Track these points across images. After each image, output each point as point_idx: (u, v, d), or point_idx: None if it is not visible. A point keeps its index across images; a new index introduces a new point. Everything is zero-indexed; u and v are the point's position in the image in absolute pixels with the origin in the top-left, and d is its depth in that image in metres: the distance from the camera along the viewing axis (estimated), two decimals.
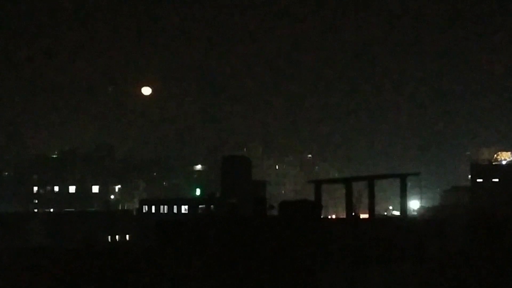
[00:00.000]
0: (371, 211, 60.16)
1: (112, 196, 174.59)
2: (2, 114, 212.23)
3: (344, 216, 63.38)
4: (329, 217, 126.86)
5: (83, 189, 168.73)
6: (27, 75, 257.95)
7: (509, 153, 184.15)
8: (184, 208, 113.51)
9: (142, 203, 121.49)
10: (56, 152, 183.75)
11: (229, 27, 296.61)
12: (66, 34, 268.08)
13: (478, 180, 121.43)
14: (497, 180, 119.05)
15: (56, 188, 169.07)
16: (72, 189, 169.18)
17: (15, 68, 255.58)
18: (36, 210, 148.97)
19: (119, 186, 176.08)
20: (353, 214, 62.10)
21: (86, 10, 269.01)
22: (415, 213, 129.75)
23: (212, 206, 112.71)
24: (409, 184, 65.77)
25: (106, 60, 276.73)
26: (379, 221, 61.65)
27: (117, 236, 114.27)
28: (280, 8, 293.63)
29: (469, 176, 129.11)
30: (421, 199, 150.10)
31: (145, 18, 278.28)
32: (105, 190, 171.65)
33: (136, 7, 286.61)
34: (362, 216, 69.20)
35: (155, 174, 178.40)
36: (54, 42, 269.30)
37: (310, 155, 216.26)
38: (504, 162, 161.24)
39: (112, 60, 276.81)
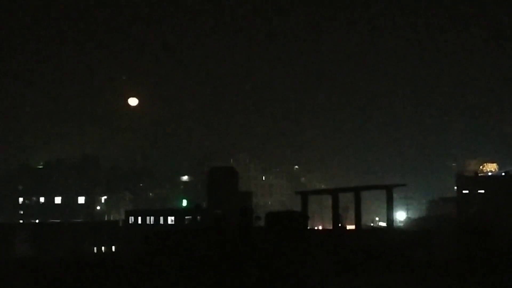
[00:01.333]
0: (357, 222, 60.24)
1: (98, 207, 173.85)
2: None
3: (331, 227, 63.42)
4: (316, 228, 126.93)
5: (69, 200, 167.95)
6: (12, 85, 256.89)
7: (494, 164, 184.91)
8: (170, 219, 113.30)
9: (128, 214, 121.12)
10: (41, 163, 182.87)
11: (216, 38, 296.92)
12: (53, 44, 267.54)
13: (464, 191, 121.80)
14: (483, 191, 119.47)
15: (42, 199, 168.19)
16: (57, 200, 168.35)
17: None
18: (21, 221, 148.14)
19: (105, 197, 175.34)
20: (340, 225, 62.17)
21: (72, 20, 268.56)
22: (402, 224, 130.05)
23: (198, 217, 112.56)
24: (395, 195, 65.92)
25: (93, 69, 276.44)
26: (365, 232, 61.78)
27: (103, 247, 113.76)
28: (269, 20, 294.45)
29: (455, 188, 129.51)
30: (407, 210, 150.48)
31: (130, 32, 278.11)
32: (91, 201, 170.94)
33: (124, 16, 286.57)
34: (349, 227, 69.30)
35: (141, 185, 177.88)
36: (40, 51, 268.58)
37: (296, 166, 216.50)
38: (490, 174, 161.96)
39: (99, 70, 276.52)
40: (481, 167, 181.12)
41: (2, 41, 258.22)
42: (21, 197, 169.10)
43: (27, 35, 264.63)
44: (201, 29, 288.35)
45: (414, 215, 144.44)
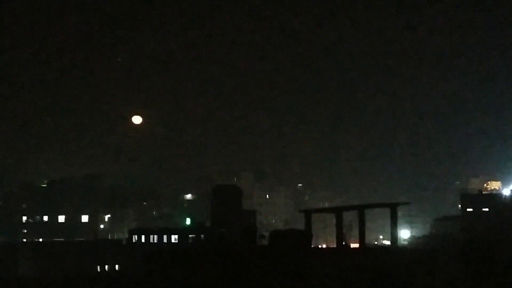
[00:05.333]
0: (361, 241, 60.07)
1: (101, 226, 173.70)
2: None
3: (335, 246, 63.23)
4: (320, 246, 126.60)
5: (73, 219, 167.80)
6: (16, 104, 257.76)
7: (498, 182, 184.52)
8: (174, 238, 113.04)
9: (131, 232, 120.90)
10: (45, 182, 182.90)
11: (219, 55, 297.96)
12: (56, 62, 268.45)
13: (468, 209, 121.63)
14: (487, 209, 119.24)
15: (45, 218, 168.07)
16: (61, 218, 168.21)
17: (3, 97, 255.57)
18: (25, 240, 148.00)
19: (109, 215, 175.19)
20: (344, 243, 61.97)
21: (77, 36, 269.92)
22: (406, 242, 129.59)
23: (202, 235, 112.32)
24: (399, 213, 65.75)
25: (97, 88, 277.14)
26: (369, 251, 61.52)
27: (106, 266, 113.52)
28: (274, 37, 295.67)
29: (459, 206, 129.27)
30: (411, 228, 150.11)
31: (135, 51, 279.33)
32: (95, 219, 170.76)
33: (128, 33, 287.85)
34: (353, 245, 69.15)
35: (145, 203, 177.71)
36: (44, 71, 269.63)
37: (300, 185, 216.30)
38: (494, 192, 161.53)
39: (103, 89, 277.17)
40: (485, 185, 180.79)
41: (9, 62, 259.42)
42: (24, 215, 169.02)
43: (33, 56, 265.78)
44: (206, 49, 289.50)
45: (419, 233, 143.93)
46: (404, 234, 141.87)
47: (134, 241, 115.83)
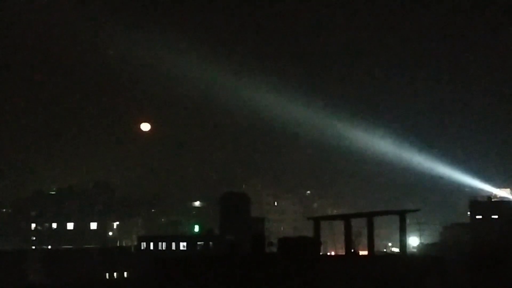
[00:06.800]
0: (370, 248, 59.94)
1: (110, 233, 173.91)
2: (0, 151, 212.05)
3: (343, 253, 63.11)
4: (328, 253, 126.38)
5: (81, 226, 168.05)
6: (24, 112, 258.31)
7: (508, 189, 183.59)
8: (182, 245, 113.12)
9: (140, 240, 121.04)
10: (54, 189, 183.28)
11: (223, 63, 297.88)
12: (62, 69, 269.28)
13: (478, 216, 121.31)
14: (496, 216, 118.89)
15: (54, 225, 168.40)
16: (70, 226, 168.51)
17: (11, 104, 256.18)
18: (34, 247, 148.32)
19: (117, 223, 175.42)
20: (352, 251, 61.83)
21: (84, 43, 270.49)
22: (415, 250, 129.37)
23: (210, 243, 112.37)
24: (408, 221, 65.58)
25: (105, 95, 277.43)
26: (378, 258, 61.40)
27: (115, 274, 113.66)
28: (278, 44, 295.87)
29: (469, 213, 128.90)
30: (420, 235, 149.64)
31: (143, 55, 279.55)
32: (103, 227, 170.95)
33: (136, 38, 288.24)
34: (362, 253, 68.97)
35: (153, 210, 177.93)
36: (49, 77, 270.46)
37: (309, 192, 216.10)
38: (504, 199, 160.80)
39: (111, 96, 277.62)
40: (494, 192, 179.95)
41: (16, 70, 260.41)
42: (33, 223, 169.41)
43: (41, 63, 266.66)
44: (213, 57, 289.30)
45: (427, 240, 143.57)
46: (413, 241, 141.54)
47: (142, 248, 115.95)
